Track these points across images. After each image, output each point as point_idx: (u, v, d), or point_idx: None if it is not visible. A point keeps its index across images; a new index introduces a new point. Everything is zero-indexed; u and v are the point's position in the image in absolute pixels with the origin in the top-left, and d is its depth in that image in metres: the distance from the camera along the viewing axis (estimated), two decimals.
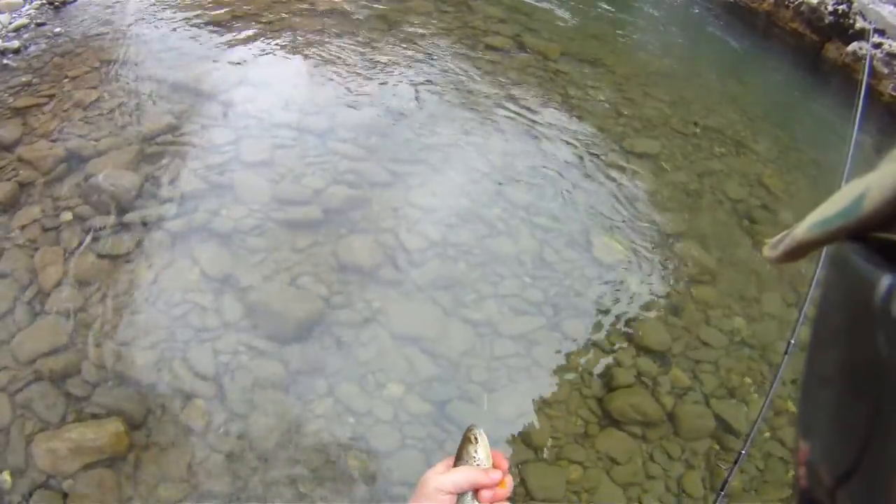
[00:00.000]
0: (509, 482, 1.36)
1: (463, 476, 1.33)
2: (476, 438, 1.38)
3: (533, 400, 4.96)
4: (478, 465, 1.35)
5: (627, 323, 5.63)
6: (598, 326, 5.55)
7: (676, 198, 7.10)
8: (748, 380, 5.46)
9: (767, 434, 5.05)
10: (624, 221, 6.53)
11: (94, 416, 4.49)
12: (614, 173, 7.15)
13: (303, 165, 6.46)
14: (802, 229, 0.61)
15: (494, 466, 1.36)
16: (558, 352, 5.30)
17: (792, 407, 5.19)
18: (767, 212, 7.14)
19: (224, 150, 6.56)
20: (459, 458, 1.37)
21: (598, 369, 5.25)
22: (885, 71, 9.36)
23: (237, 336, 5.03)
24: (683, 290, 6.06)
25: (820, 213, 0.59)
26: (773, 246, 0.67)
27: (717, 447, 4.99)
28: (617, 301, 5.78)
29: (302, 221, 5.90)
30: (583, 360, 5.27)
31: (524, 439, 4.74)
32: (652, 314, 5.76)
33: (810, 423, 0.62)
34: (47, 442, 4.31)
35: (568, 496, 4.55)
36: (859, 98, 3.63)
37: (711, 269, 6.31)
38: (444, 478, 1.33)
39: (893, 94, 9.30)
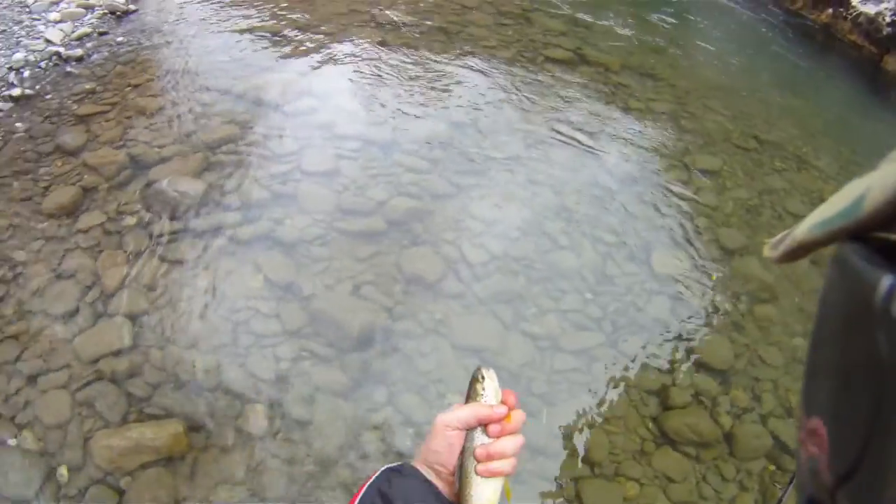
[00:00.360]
0: (518, 417, 1.38)
1: (468, 412, 1.36)
2: (483, 377, 1.40)
3: (591, 415, 4.97)
4: (485, 402, 1.38)
5: (687, 340, 5.63)
6: (657, 343, 5.54)
7: (737, 214, 7.09)
8: None
9: None
10: (685, 237, 6.53)
11: (154, 417, 4.59)
12: (676, 188, 7.18)
13: (366, 177, 6.53)
14: (803, 229, 0.63)
15: (503, 403, 1.38)
16: (617, 368, 5.30)
17: None
18: None
19: (287, 160, 6.66)
20: (468, 398, 1.40)
21: (656, 387, 5.24)
22: None
23: (299, 343, 5.10)
24: (744, 307, 6.05)
25: (821, 213, 0.60)
26: (774, 246, 0.69)
27: (773, 468, 4.96)
28: (677, 317, 5.78)
29: (365, 232, 5.97)
30: (641, 378, 5.27)
31: (582, 454, 4.76)
32: (711, 331, 5.75)
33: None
34: (107, 439, 4.41)
35: None
36: None
37: (772, 286, 6.29)
38: (450, 414, 1.37)
39: None
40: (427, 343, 5.17)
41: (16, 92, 7.56)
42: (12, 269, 5.51)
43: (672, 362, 5.41)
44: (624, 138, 7.80)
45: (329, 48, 8.84)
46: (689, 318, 5.80)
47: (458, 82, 8.37)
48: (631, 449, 4.85)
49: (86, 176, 6.35)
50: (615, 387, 5.17)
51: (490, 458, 1.32)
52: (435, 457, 1.37)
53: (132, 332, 5.08)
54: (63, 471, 4.28)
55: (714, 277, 6.20)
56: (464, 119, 7.63)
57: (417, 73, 8.47)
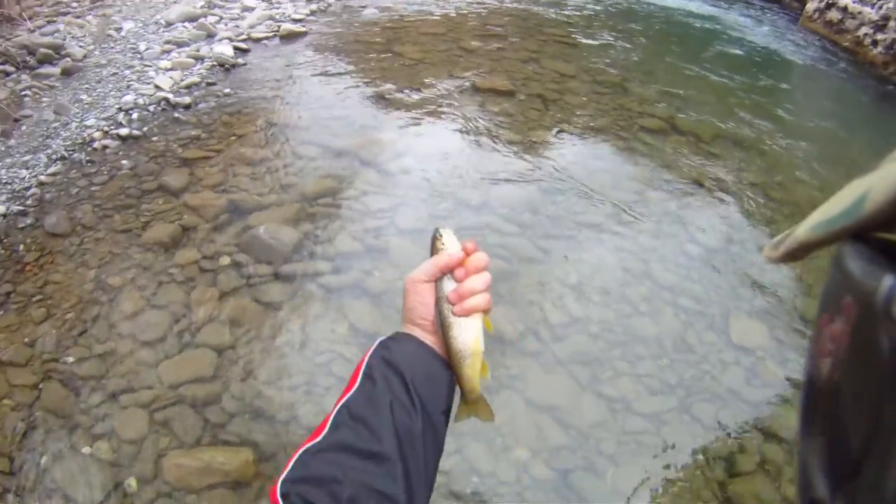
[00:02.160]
0: (479, 258, 1.52)
1: (429, 263, 1.53)
2: (440, 234, 1.56)
3: (657, 477, 5.17)
4: None
5: (757, 409, 5.76)
6: (728, 411, 5.69)
7: (819, 285, 7.04)
8: None
9: None
10: (766, 308, 6.70)
11: (227, 443, 5.06)
12: (760, 259, 7.32)
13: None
14: (804, 230, 0.65)
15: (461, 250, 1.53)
16: (686, 433, 5.49)
17: None
18: None
19: (381, 216, 7.24)
20: (431, 255, 1.56)
21: (723, 453, 5.39)
22: None
23: None
24: None
25: (822, 213, 0.62)
26: (775, 246, 0.71)
27: None
28: (750, 387, 5.92)
29: None
30: (709, 443, 5.45)
31: None
32: (783, 401, 5.87)
33: (812, 424, 0.65)
34: (179, 458, 4.93)
35: None
36: None
37: None
38: (414, 271, 1.55)
39: None
40: (501, 397, 5.46)
41: (124, 132, 8.44)
42: (107, 293, 6.19)
43: (741, 430, 5.57)
44: (713, 207, 8.09)
45: (428, 111, 9.50)
46: (762, 387, 5.93)
47: (553, 149, 8.86)
48: None
49: (185, 216, 7.09)
50: (683, 451, 5.35)
51: (461, 297, 1.49)
52: (413, 313, 1.55)
53: (216, 363, 5.60)
54: (132, 482, 4.74)
55: (793, 347, 6.32)
56: (555, 185, 8.07)
57: (513, 139, 8.99)
